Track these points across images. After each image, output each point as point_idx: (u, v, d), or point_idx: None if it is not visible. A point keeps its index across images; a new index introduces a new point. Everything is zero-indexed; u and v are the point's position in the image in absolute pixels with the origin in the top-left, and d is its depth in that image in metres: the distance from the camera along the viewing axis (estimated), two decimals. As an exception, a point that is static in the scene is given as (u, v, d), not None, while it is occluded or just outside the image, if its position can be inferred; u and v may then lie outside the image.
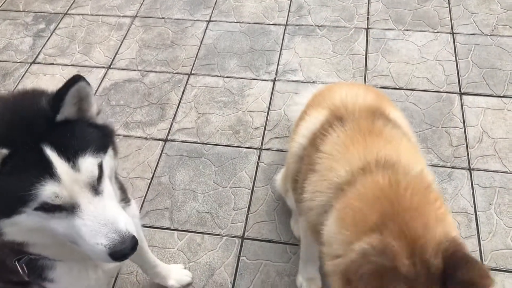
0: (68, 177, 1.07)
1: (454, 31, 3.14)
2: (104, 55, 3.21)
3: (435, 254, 1.10)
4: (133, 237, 1.12)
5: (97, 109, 1.25)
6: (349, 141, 1.44)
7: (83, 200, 1.09)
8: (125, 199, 1.55)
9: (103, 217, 1.11)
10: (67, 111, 1.13)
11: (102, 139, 1.20)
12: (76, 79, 1.11)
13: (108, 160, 1.19)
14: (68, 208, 1.09)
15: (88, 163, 1.11)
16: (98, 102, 1.30)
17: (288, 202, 2.16)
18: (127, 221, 1.14)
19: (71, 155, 1.08)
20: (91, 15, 3.50)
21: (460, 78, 2.86)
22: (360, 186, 1.30)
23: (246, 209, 2.40)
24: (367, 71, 2.95)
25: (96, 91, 2.98)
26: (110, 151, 1.22)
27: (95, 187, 1.13)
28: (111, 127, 1.28)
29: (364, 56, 3.04)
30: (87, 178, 1.10)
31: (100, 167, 1.15)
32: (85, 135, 1.16)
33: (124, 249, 1.10)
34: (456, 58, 2.98)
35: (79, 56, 3.22)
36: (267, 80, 2.97)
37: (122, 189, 1.55)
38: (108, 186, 1.17)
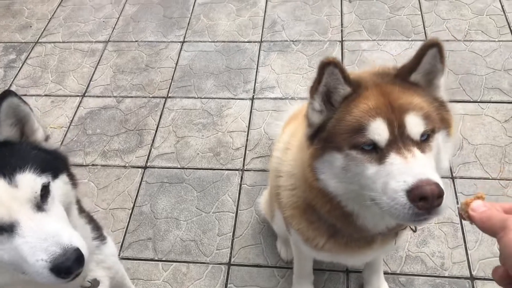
0: (5, 193, 1.04)
1: (428, 38, 3.15)
2: (78, 83, 3.15)
3: None
4: (77, 249, 1.06)
5: (44, 135, 1.26)
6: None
7: (23, 217, 1.05)
8: (100, 236, 1.51)
9: (44, 231, 1.06)
10: (5, 131, 1.13)
11: (50, 161, 1.19)
12: (5, 95, 1.10)
13: (60, 185, 1.17)
14: (8, 229, 1.04)
15: (27, 179, 1.08)
16: (45, 130, 1.29)
17: (274, 227, 2.12)
18: (73, 235, 1.09)
19: (7, 172, 1.06)
20: (63, 42, 3.44)
21: (437, 85, 2.87)
22: None
23: (231, 234, 2.36)
24: (345, 84, 2.94)
25: (72, 120, 2.92)
26: (64, 178, 1.20)
27: (39, 205, 1.09)
28: (63, 154, 1.28)
29: (341, 69, 3.03)
30: (26, 194, 1.07)
31: (46, 187, 1.12)
32: (27, 155, 1.15)
33: (66, 262, 1.04)
34: (431, 65, 2.98)
35: (53, 85, 3.15)
36: (245, 99, 2.94)
37: (97, 227, 1.51)
38: (58, 209, 1.13)
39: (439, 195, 1.02)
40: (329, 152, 1.20)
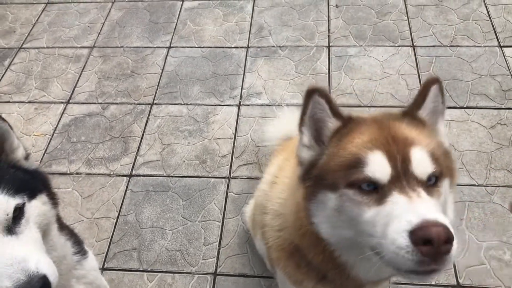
0: None
1: (414, 44, 3.16)
2: (62, 89, 3.11)
3: None
4: (43, 277, 1.03)
5: (24, 153, 1.24)
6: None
7: None
8: (81, 251, 1.48)
9: (10, 256, 1.03)
10: None
11: (27, 181, 1.16)
12: None
13: (37, 206, 1.15)
14: None
15: None
16: (26, 147, 1.26)
17: (257, 245, 2.06)
18: (41, 262, 1.06)
19: None
20: (47, 47, 3.39)
21: (423, 91, 2.86)
22: None
23: (217, 243, 2.33)
24: (331, 90, 2.93)
25: (56, 128, 2.88)
26: (42, 198, 1.18)
27: (9, 227, 1.07)
28: (43, 174, 1.26)
29: (327, 75, 3.02)
30: None
31: (20, 209, 1.09)
32: (1, 175, 1.12)
33: None
34: (418, 71, 2.99)
35: (36, 92, 3.11)
36: (232, 105, 2.92)
37: (77, 241, 1.48)
38: (32, 232, 1.11)
39: (447, 239, 0.89)
40: (323, 192, 1.09)
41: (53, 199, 1.24)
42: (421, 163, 1.03)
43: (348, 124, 1.14)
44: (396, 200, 0.98)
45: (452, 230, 0.91)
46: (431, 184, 1.04)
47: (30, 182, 1.17)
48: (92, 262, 1.52)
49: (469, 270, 2.16)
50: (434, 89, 1.18)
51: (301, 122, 1.16)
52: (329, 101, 1.12)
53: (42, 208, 1.18)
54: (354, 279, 1.22)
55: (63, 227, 1.37)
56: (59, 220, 1.33)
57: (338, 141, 1.11)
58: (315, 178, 1.12)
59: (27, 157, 1.26)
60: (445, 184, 1.08)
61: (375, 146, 1.04)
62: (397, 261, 0.93)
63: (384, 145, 1.04)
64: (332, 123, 1.14)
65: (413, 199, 0.97)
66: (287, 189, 1.38)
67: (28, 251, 1.06)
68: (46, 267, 1.06)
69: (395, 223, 0.94)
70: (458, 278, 2.14)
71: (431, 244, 0.89)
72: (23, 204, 1.10)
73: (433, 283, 2.13)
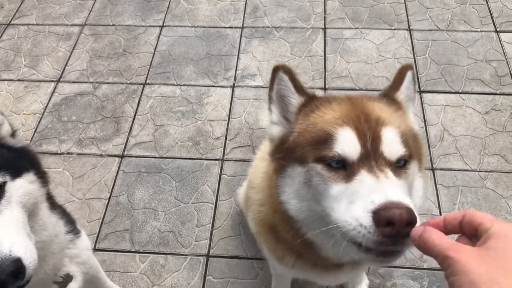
0: None
1: (411, 27, 3.13)
2: (52, 67, 3.04)
3: None
4: (16, 260, 0.99)
5: (10, 130, 1.19)
6: None
7: None
8: (73, 230, 1.45)
9: None
10: None
11: (11, 159, 1.13)
12: None
13: (22, 185, 1.11)
14: None
15: None
16: (12, 125, 1.22)
17: (250, 225, 2.04)
18: (17, 243, 1.02)
19: None
20: (37, 25, 3.31)
21: (419, 75, 2.85)
22: None
23: (210, 225, 2.32)
24: (327, 73, 2.90)
25: (46, 107, 2.82)
26: (29, 177, 1.14)
27: None
28: (32, 152, 1.23)
29: (323, 57, 2.99)
30: None
31: (0, 188, 1.06)
32: None
33: None
34: (414, 55, 2.97)
35: (26, 70, 3.04)
36: (226, 87, 2.88)
37: (70, 220, 1.46)
38: (13, 212, 1.07)
39: (409, 222, 0.86)
40: (291, 166, 1.10)
41: (43, 178, 1.20)
42: (392, 144, 1.02)
43: (312, 101, 1.15)
44: (363, 179, 0.98)
45: (416, 213, 0.89)
46: (399, 166, 1.04)
47: (15, 160, 1.13)
48: (85, 241, 1.50)
49: (461, 254, 2.17)
50: (409, 74, 1.22)
51: (269, 100, 1.18)
52: (292, 78, 1.14)
53: (29, 187, 1.14)
54: (326, 258, 1.22)
55: (55, 206, 1.34)
56: (50, 199, 1.30)
57: (306, 116, 1.12)
58: (285, 152, 1.13)
59: (13, 134, 1.21)
60: (413, 166, 1.08)
61: (346, 123, 1.04)
62: (359, 238, 0.93)
63: (355, 123, 1.03)
64: (295, 99, 1.16)
65: (380, 179, 0.97)
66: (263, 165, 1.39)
67: (3, 233, 1.02)
68: (22, 250, 1.01)
69: (359, 201, 0.94)
70: (450, 262, 2.15)
71: (392, 225, 0.88)
72: (4, 183, 1.06)
73: (425, 266, 2.14)
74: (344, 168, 1.01)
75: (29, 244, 1.05)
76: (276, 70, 1.14)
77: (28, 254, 1.02)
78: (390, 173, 0.99)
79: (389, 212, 0.88)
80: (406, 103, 1.22)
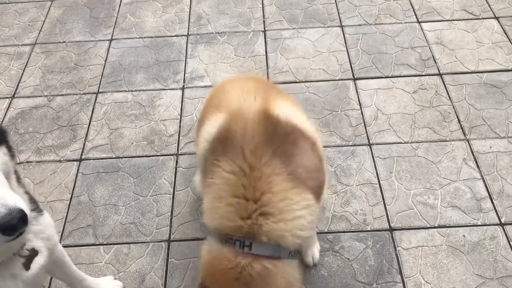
0: None
1: (342, 24, 3.41)
2: (6, 85, 3.14)
3: None
4: (21, 210, 1.17)
5: None
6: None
7: None
8: (36, 208, 1.57)
9: None
10: None
11: None
12: None
13: (0, 155, 1.29)
14: None
15: None
16: None
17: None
18: (17, 198, 1.20)
19: None
20: (-13, 47, 3.41)
21: (352, 65, 3.12)
22: None
23: (169, 213, 2.46)
24: (269, 70, 3.13)
25: (2, 122, 2.91)
26: (3, 149, 1.32)
27: None
28: (2, 128, 1.39)
29: (265, 56, 3.22)
30: None
31: None
32: None
33: (12, 220, 1.14)
34: (346, 48, 3.24)
35: (-21, 89, 3.12)
36: (176, 89, 3.06)
37: (32, 199, 1.58)
38: (1, 177, 1.24)
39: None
40: None
41: (11, 151, 1.37)
42: None
43: None
44: None
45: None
46: None
47: None
48: (48, 219, 1.61)
49: (399, 215, 2.40)
50: None
51: None
52: None
53: (4, 158, 1.31)
54: None
55: (20, 180, 1.48)
56: (16, 172, 1.44)
57: None
58: None
59: None
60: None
61: None
62: None
63: None
64: None
65: None
66: None
67: (3, 191, 1.19)
68: (21, 202, 1.19)
69: None
70: (390, 222, 2.37)
71: None
72: None
73: (368, 228, 2.36)
74: None
75: (22, 199, 1.23)
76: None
77: (25, 206, 1.20)
78: None
79: None
80: None
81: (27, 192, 1.54)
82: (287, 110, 1.71)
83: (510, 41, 3.20)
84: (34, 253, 1.53)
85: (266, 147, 1.50)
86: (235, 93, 1.74)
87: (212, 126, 1.74)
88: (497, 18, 3.37)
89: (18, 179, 1.46)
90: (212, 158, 1.59)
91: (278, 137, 1.54)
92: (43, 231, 1.58)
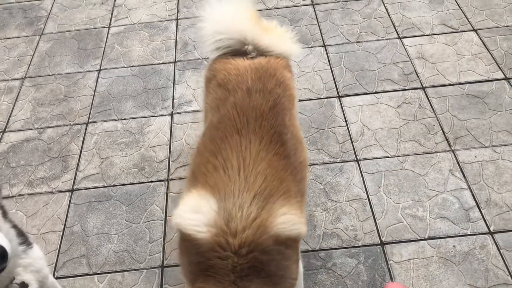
0: None
1: (325, 44, 3.49)
2: (-4, 120, 3.18)
3: None
4: (1, 246, 1.19)
5: None
6: None
7: None
8: (25, 242, 1.59)
9: None
10: None
11: None
12: None
13: None
14: None
15: None
16: None
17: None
18: None
19: None
20: (-22, 83, 3.46)
21: (337, 83, 3.18)
22: None
23: (162, 239, 2.48)
24: (255, 91, 3.18)
25: (-7, 156, 2.95)
26: None
27: None
28: None
29: (251, 78, 3.27)
30: None
31: None
32: None
33: None
34: (330, 66, 3.31)
35: (-30, 125, 3.16)
36: (165, 115, 3.11)
37: (21, 233, 1.60)
38: None
39: None
40: None
41: None
42: None
43: None
44: None
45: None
46: None
47: None
48: (37, 252, 1.63)
49: (389, 228, 2.42)
50: None
51: None
52: None
53: None
54: None
55: (6, 215, 1.50)
56: (2, 208, 1.46)
57: None
58: None
59: None
60: None
61: None
62: None
63: None
64: None
65: None
66: None
67: None
68: (3, 240, 1.22)
69: None
70: (381, 236, 2.40)
71: None
72: None
73: (359, 244, 2.38)
74: None
75: (2, 235, 1.25)
76: None
77: (6, 242, 1.23)
78: None
79: None
80: None
81: (15, 226, 1.56)
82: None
83: (489, 52, 3.28)
84: (24, 286, 1.54)
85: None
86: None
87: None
88: (475, 30, 3.46)
89: (4, 214, 1.48)
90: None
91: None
92: (32, 264, 1.59)
